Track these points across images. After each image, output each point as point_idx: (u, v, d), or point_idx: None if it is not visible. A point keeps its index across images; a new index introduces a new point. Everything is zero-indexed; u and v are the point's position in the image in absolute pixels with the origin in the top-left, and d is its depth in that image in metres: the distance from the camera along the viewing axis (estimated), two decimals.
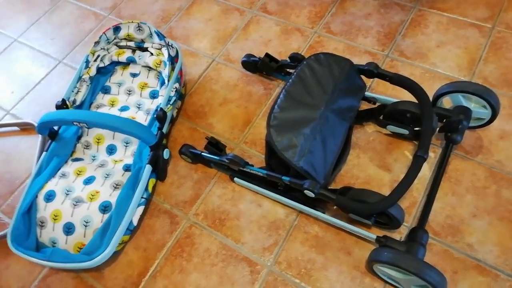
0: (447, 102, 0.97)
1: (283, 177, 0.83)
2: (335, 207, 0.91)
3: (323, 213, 0.89)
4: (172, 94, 1.04)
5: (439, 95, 0.95)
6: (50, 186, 0.95)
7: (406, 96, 0.94)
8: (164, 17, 1.38)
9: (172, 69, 1.06)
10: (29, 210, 0.93)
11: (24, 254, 0.87)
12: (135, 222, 0.92)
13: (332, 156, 0.86)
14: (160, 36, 1.09)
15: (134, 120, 0.98)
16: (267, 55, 1.09)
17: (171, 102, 1.03)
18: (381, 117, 0.98)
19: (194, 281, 0.89)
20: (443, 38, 1.19)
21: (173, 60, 1.08)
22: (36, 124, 1.14)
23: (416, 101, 0.90)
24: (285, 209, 0.96)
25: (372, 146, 1.02)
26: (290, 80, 0.89)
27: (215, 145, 0.96)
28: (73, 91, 1.07)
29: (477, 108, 0.93)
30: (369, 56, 1.18)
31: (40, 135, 1.13)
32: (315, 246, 0.91)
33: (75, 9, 1.46)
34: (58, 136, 1.04)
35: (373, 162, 1.00)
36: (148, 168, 0.95)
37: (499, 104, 0.91)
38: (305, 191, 0.80)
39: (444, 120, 0.93)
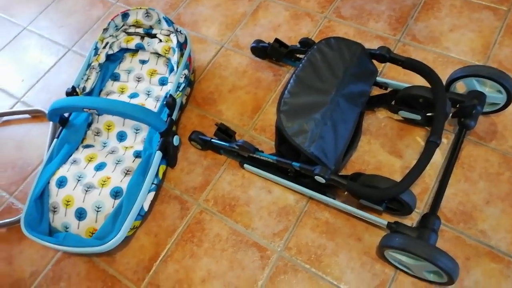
0: (460, 87, 0.95)
1: (294, 163, 0.83)
2: (345, 193, 0.90)
3: (334, 199, 0.88)
4: (182, 80, 1.04)
5: (452, 80, 0.93)
6: (61, 172, 0.96)
7: (419, 81, 0.92)
8: (173, 3, 1.37)
9: (181, 55, 1.06)
10: (42, 195, 0.94)
11: (37, 239, 0.88)
12: (146, 208, 0.93)
13: (343, 142, 0.85)
14: (169, 22, 1.08)
15: (144, 106, 0.98)
16: (276, 40, 1.08)
17: (180, 89, 1.03)
18: (393, 103, 0.97)
19: (205, 266, 0.90)
20: (457, 22, 1.16)
21: (181, 46, 1.07)
22: (46, 111, 1.15)
23: (429, 86, 0.88)
24: (295, 195, 0.96)
25: (383, 132, 1.01)
26: (300, 65, 0.88)
27: (224, 132, 0.96)
28: (82, 78, 1.07)
29: (492, 92, 0.91)
30: (380, 41, 1.16)
31: (51, 122, 1.14)
32: (325, 232, 0.90)
33: None
34: (69, 123, 1.04)
35: (384, 148, 0.99)
36: (158, 155, 0.95)
37: None
38: (316, 177, 0.80)
39: (458, 105, 0.91)
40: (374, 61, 0.94)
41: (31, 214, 0.92)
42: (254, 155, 0.90)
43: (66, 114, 1.04)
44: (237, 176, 1.00)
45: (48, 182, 0.95)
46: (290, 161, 0.83)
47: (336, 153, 0.83)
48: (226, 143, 0.95)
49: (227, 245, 0.92)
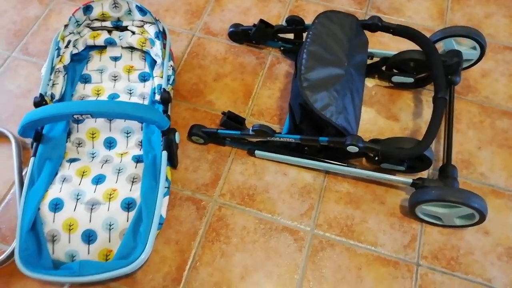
0: (438, 48, 1.03)
1: (321, 139, 0.82)
2: (364, 161, 0.93)
3: (354, 167, 0.90)
4: (170, 72, 0.96)
5: (433, 42, 1.00)
6: (53, 193, 0.83)
7: (393, 48, 1.01)
8: None
9: (164, 46, 0.97)
10: (33, 226, 0.80)
11: (44, 275, 0.75)
12: (164, 214, 0.85)
13: (359, 111, 0.87)
14: (144, 11, 0.98)
15: (144, 104, 0.88)
16: (261, 21, 1.05)
17: (170, 82, 0.95)
18: (384, 69, 1.01)
19: (240, 262, 0.86)
20: None
21: (162, 36, 0.98)
22: (4, 130, 0.99)
23: (417, 50, 0.94)
24: (312, 173, 0.95)
25: (376, 100, 1.05)
26: (308, 40, 0.87)
27: (234, 119, 0.91)
28: (48, 84, 0.93)
29: (467, 50, 1.00)
30: None
31: (13, 142, 0.96)
32: (349, 202, 0.92)
33: None
34: (44, 137, 0.89)
35: (381, 115, 1.03)
36: (164, 155, 0.87)
37: (486, 44, 0.99)
38: (348, 147, 0.80)
39: None
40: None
41: (27, 248, 0.77)
42: (273, 138, 0.87)
43: (39, 128, 0.89)
44: (247, 165, 0.97)
45: (39, 208, 0.81)
46: (317, 137, 0.83)
47: (357, 122, 0.85)
48: (237, 132, 0.90)
49: (257, 235, 0.89)
